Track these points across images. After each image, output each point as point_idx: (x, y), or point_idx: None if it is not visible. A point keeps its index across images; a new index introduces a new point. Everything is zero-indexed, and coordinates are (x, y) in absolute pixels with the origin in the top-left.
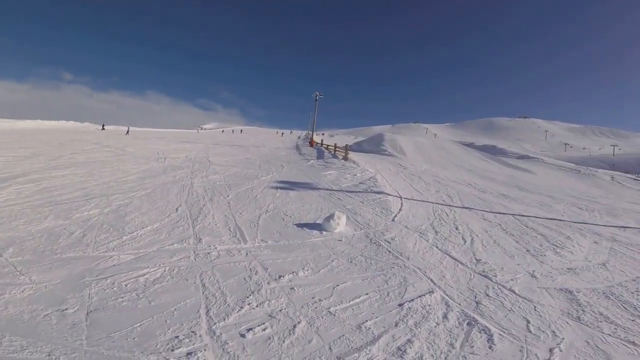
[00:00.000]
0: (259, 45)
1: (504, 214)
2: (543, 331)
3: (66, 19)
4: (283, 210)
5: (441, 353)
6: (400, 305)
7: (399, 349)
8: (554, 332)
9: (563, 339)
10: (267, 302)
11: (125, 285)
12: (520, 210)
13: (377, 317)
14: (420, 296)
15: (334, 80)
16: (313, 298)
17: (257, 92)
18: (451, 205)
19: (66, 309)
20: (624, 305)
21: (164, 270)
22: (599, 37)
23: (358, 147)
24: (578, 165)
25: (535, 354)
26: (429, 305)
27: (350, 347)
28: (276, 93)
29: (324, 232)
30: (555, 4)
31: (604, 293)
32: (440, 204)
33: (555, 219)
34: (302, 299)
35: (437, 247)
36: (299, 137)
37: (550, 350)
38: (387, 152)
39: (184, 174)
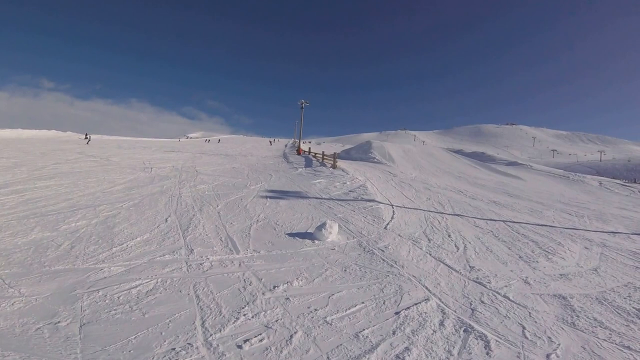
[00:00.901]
0: (244, 53)
1: (495, 220)
2: (539, 337)
3: (45, 25)
4: (274, 220)
5: None
6: (396, 313)
7: (397, 357)
8: (549, 337)
9: (559, 344)
10: (263, 312)
11: (118, 298)
12: (511, 216)
13: (374, 326)
14: (416, 304)
15: (321, 87)
16: (309, 308)
17: (243, 100)
18: (443, 213)
19: (59, 322)
20: (617, 310)
21: (157, 282)
22: (584, 44)
23: (346, 155)
24: (567, 172)
25: None
26: (425, 312)
27: (348, 356)
28: (262, 101)
29: (317, 241)
30: (539, 12)
31: (597, 298)
32: (431, 211)
33: (546, 225)
34: (298, 308)
35: (430, 254)
36: (285, 145)
37: (547, 356)
38: (375, 160)
39: (171, 183)
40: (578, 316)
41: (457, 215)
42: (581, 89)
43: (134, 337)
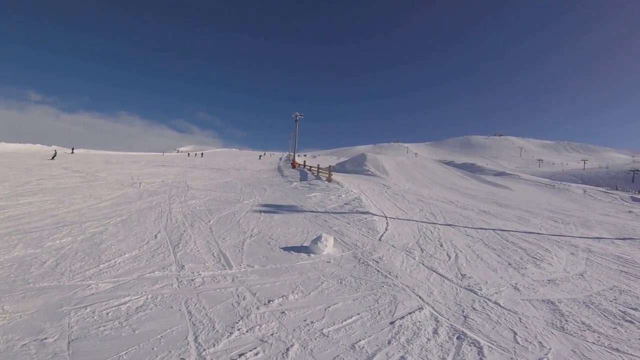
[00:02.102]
0: (236, 65)
1: (485, 229)
2: (530, 342)
3: (32, 37)
4: (268, 234)
5: None
6: (391, 323)
7: None
8: (540, 342)
9: (550, 349)
10: (258, 326)
11: (107, 314)
12: (500, 225)
13: (370, 336)
14: (410, 313)
15: (315, 98)
16: (305, 321)
17: (236, 113)
18: (435, 223)
19: (45, 338)
20: (603, 313)
21: (147, 298)
22: (564, 53)
23: (341, 168)
24: (552, 181)
25: None
26: (419, 321)
27: None
28: (255, 114)
29: (312, 255)
30: (519, 20)
31: (584, 302)
32: (424, 222)
33: (534, 233)
34: (294, 322)
35: (423, 264)
36: (280, 159)
37: None
38: (370, 172)
39: (161, 199)
40: (567, 320)
41: (449, 225)
42: (563, 95)
43: (124, 352)
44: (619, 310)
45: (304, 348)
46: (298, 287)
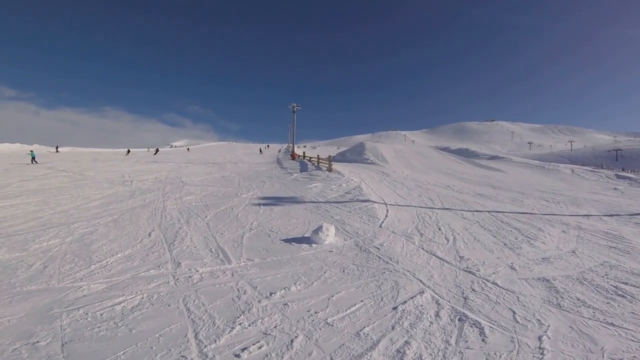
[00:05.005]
0: (230, 56)
1: (480, 211)
2: (529, 320)
3: (4, 32)
4: (268, 227)
5: (439, 351)
6: (394, 308)
7: (398, 351)
8: (539, 320)
9: (549, 326)
10: (260, 320)
11: (101, 315)
12: (494, 207)
13: (374, 323)
14: (412, 297)
15: (312, 89)
16: (309, 311)
17: (230, 106)
18: (433, 208)
19: (37, 341)
20: (597, 289)
21: (142, 298)
22: (547, 38)
23: (341, 158)
24: (542, 162)
25: (526, 343)
26: (421, 305)
27: (351, 355)
28: (251, 106)
29: (314, 245)
30: (506, 5)
31: (577, 279)
32: (422, 207)
33: (527, 213)
34: (297, 313)
35: (423, 248)
36: (279, 151)
37: (539, 338)
38: (369, 161)
39: (154, 196)
40: (562, 297)
41: (446, 209)
42: (549, 79)
43: (122, 352)
44: (611, 285)
45: (309, 338)
46: (300, 278)
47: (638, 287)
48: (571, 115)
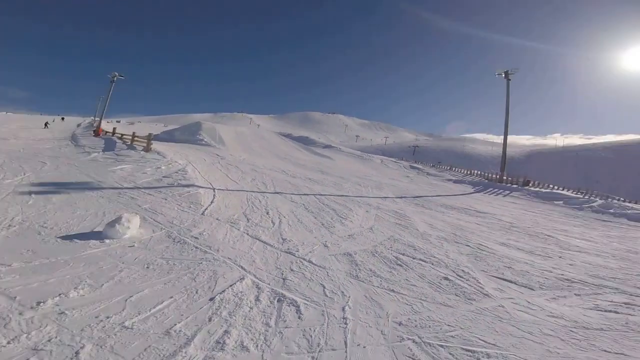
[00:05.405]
0: (17, 14)
1: (307, 195)
2: (335, 293)
3: None
4: (39, 222)
5: (260, 334)
6: (211, 299)
7: (217, 342)
8: (342, 292)
9: (349, 297)
10: (25, 335)
11: None
12: (320, 190)
13: (187, 318)
14: (231, 285)
15: (138, 57)
16: (97, 317)
17: (14, 71)
18: (264, 192)
19: None
20: (384, 260)
21: None
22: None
23: (169, 137)
24: (362, 153)
25: (333, 315)
26: (241, 292)
27: (161, 355)
28: (47, 72)
29: (107, 241)
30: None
31: (371, 252)
32: (254, 191)
33: (344, 195)
34: (81, 321)
35: (248, 234)
36: (78, 125)
37: (343, 308)
38: (204, 142)
39: None
40: (360, 269)
41: (277, 193)
42: (371, 78)
43: None
44: (393, 256)
45: (101, 347)
46: (84, 281)
47: (410, 257)
48: (394, 116)
